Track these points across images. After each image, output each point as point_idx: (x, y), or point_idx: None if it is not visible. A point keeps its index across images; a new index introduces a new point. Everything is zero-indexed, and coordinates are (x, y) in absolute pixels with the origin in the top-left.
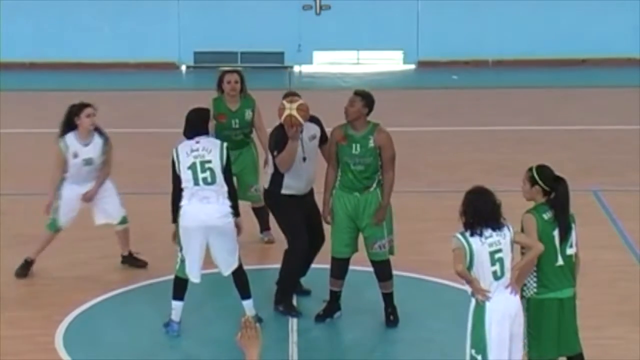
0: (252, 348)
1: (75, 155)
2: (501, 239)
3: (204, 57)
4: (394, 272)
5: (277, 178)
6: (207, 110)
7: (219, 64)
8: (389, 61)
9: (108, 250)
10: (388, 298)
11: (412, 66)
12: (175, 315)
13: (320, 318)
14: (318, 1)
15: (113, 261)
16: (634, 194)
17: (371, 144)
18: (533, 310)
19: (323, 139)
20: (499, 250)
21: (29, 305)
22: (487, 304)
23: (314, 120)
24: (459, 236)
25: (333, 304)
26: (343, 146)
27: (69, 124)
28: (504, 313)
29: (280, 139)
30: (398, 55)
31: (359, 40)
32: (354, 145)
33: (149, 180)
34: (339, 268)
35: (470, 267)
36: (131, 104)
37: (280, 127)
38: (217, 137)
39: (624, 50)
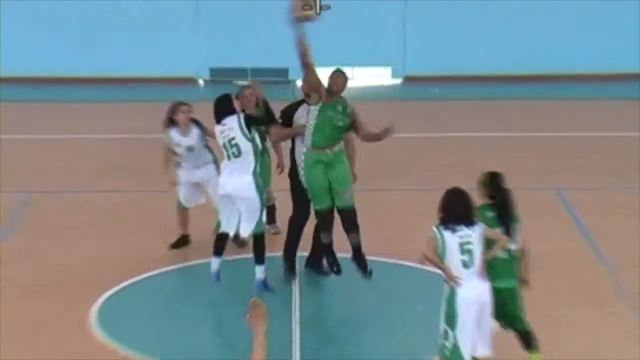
0: (259, 326)
1: (179, 145)
2: (472, 233)
3: (218, 73)
4: (387, 260)
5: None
6: (226, 96)
7: (232, 78)
8: (379, 76)
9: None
10: (359, 250)
11: (399, 80)
12: (214, 268)
13: (329, 268)
14: (318, 1)
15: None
16: (593, 192)
17: (348, 109)
18: None
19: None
20: (469, 243)
21: (73, 286)
22: (458, 289)
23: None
24: (434, 229)
25: (331, 255)
26: (327, 104)
27: (170, 120)
28: (474, 297)
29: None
30: (387, 71)
31: (353, 57)
32: (337, 106)
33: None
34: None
35: (443, 256)
36: (159, 113)
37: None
38: None
39: (595, 66)
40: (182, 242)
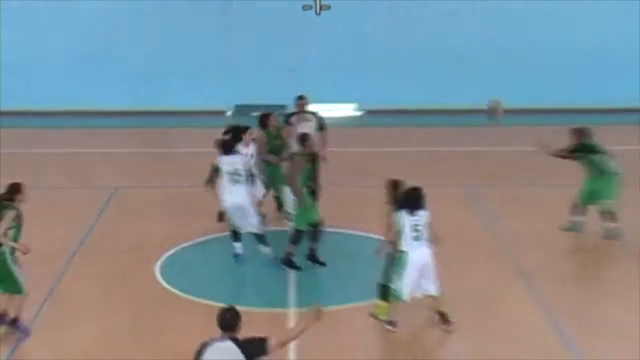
0: (307, 325)
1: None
2: (421, 217)
3: (242, 108)
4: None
5: None
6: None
7: (252, 111)
8: (346, 110)
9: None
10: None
11: (362, 113)
12: (239, 250)
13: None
14: (318, 2)
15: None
16: (498, 189)
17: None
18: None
19: None
20: (419, 223)
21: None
22: (409, 254)
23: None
24: (395, 212)
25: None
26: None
27: (235, 140)
28: (419, 260)
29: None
30: (352, 106)
31: (327, 96)
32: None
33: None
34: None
35: (400, 232)
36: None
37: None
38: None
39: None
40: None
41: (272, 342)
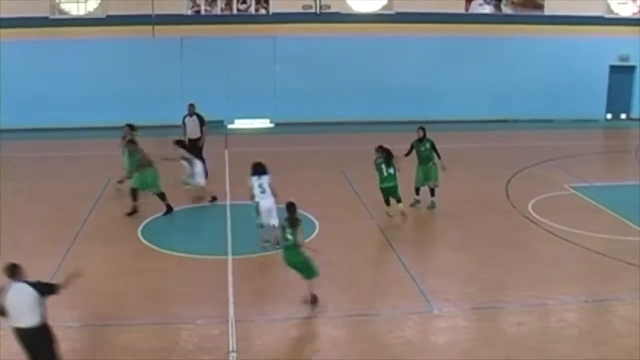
0: (75, 274)
1: None
2: (264, 180)
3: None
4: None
5: None
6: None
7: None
8: (261, 123)
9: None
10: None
11: (273, 125)
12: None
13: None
14: (318, 2)
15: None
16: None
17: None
18: None
19: None
20: (262, 183)
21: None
22: (260, 202)
23: None
24: (250, 177)
25: None
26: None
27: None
28: (265, 206)
29: None
30: (266, 121)
31: (247, 113)
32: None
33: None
34: None
35: (253, 191)
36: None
37: None
38: None
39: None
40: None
41: (57, 286)
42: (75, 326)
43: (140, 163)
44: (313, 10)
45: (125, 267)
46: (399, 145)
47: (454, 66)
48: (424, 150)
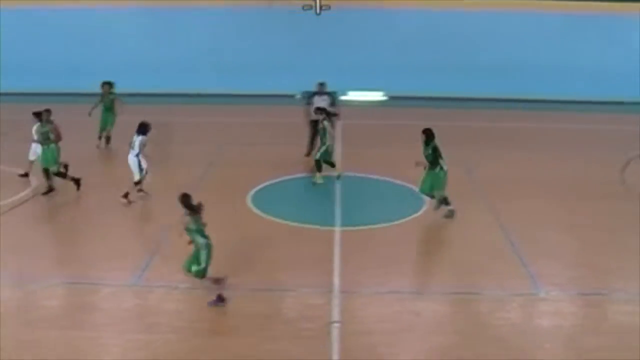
0: None
1: None
2: (137, 140)
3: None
4: None
5: None
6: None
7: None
8: (375, 96)
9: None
10: None
11: (386, 98)
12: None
13: None
14: (318, 1)
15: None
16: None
17: None
18: None
19: None
20: (134, 140)
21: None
22: (130, 157)
23: None
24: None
25: None
26: None
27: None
28: (129, 159)
29: None
30: (379, 93)
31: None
32: None
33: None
34: None
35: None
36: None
37: None
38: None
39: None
40: None
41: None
42: (182, 287)
43: (48, 136)
44: (313, 11)
45: (233, 233)
46: (513, 123)
47: (580, 44)
48: (427, 156)
